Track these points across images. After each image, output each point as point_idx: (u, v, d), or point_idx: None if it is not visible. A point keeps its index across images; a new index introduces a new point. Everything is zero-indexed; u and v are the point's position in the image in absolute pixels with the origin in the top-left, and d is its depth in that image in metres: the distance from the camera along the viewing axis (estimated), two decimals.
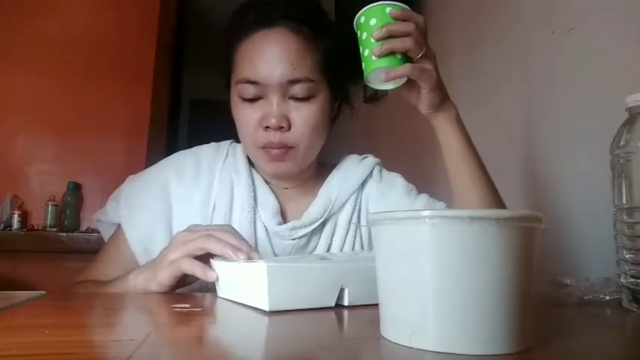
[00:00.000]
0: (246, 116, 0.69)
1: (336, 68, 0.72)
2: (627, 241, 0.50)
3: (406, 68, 0.61)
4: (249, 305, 0.47)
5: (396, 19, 0.61)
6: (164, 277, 0.54)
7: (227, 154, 0.77)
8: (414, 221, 0.32)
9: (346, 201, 0.76)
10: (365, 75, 0.64)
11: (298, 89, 0.67)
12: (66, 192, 2.07)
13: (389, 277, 0.34)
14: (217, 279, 0.53)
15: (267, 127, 0.67)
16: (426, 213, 0.31)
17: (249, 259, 0.51)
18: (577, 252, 0.91)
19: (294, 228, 0.71)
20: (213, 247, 0.53)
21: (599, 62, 0.89)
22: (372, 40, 0.61)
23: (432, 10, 1.66)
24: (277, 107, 0.67)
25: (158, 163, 0.78)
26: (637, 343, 0.40)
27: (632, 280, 0.49)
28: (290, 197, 0.77)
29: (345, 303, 0.47)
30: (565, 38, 0.98)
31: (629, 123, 0.51)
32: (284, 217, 0.74)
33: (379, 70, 0.61)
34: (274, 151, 0.68)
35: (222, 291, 0.53)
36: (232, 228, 0.58)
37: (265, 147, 0.68)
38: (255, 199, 0.73)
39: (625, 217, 0.51)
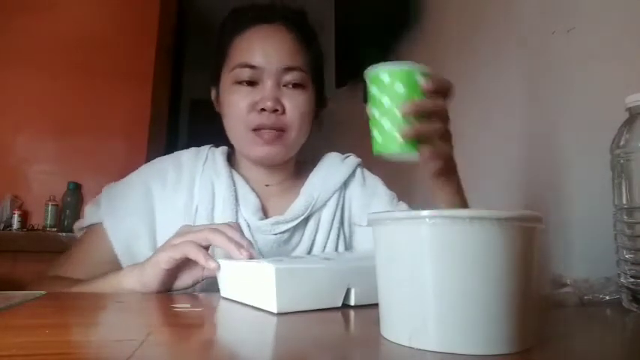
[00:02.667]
0: (240, 100, 0.71)
1: (319, 74, 0.78)
2: (627, 241, 0.50)
3: (426, 154, 0.53)
4: (254, 306, 0.46)
5: (427, 91, 0.52)
6: (163, 258, 0.54)
7: (207, 157, 0.78)
8: (414, 221, 0.32)
9: (328, 199, 0.78)
10: (378, 150, 0.54)
11: (292, 77, 0.72)
12: (66, 192, 2.07)
13: (389, 277, 0.34)
14: (219, 268, 0.53)
15: (262, 109, 0.70)
16: (425, 213, 0.31)
17: (251, 257, 0.52)
18: (577, 252, 0.91)
19: (276, 223, 0.73)
20: (217, 239, 0.54)
21: (599, 62, 0.89)
22: (397, 113, 0.51)
23: (431, 11, 1.66)
24: (273, 92, 0.71)
25: (138, 169, 0.78)
26: (637, 343, 0.40)
27: (632, 280, 0.49)
28: (271, 195, 0.78)
29: (352, 303, 0.47)
30: (565, 38, 0.98)
31: (629, 123, 0.51)
32: (265, 214, 0.75)
33: (400, 155, 0.53)
34: (267, 134, 0.71)
35: (225, 290, 0.53)
36: (237, 225, 0.58)
37: (258, 129, 0.71)
38: (236, 198, 0.74)
39: (625, 217, 0.51)
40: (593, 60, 0.91)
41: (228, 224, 0.57)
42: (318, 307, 0.45)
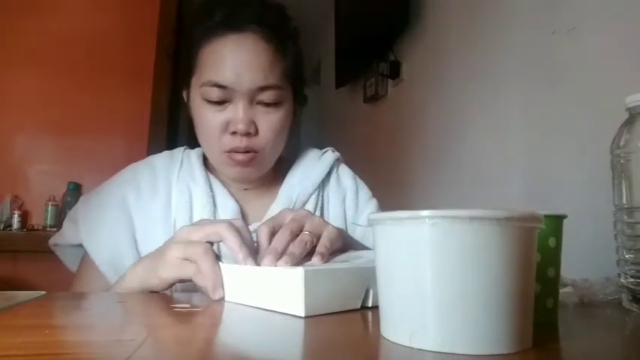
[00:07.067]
0: (210, 120, 0.68)
1: (300, 75, 0.72)
2: (627, 241, 0.50)
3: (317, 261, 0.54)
4: (272, 310, 0.45)
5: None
6: (169, 275, 0.52)
7: (182, 161, 0.76)
8: (414, 221, 0.32)
9: (307, 200, 0.76)
10: None
11: (267, 95, 0.67)
12: (66, 192, 2.07)
13: (389, 277, 0.34)
14: (222, 297, 0.50)
15: (233, 132, 0.67)
16: (425, 213, 0.31)
17: (252, 263, 0.50)
18: (577, 252, 0.90)
19: (256, 230, 0.71)
20: (230, 238, 0.50)
21: (599, 62, 0.89)
22: None
23: (432, 10, 1.66)
24: (245, 113, 0.66)
25: (111, 178, 0.76)
26: (637, 343, 0.40)
27: (632, 280, 0.49)
28: (250, 198, 0.76)
29: (369, 304, 0.46)
30: (565, 38, 0.98)
31: (629, 123, 0.51)
32: (245, 219, 0.73)
33: None
34: (240, 157, 0.68)
35: (231, 295, 0.50)
36: (242, 222, 0.55)
37: (231, 151, 0.68)
38: (214, 204, 0.72)
39: (625, 217, 0.51)
40: (593, 60, 0.91)
41: (234, 222, 0.53)
42: (340, 309, 0.44)
